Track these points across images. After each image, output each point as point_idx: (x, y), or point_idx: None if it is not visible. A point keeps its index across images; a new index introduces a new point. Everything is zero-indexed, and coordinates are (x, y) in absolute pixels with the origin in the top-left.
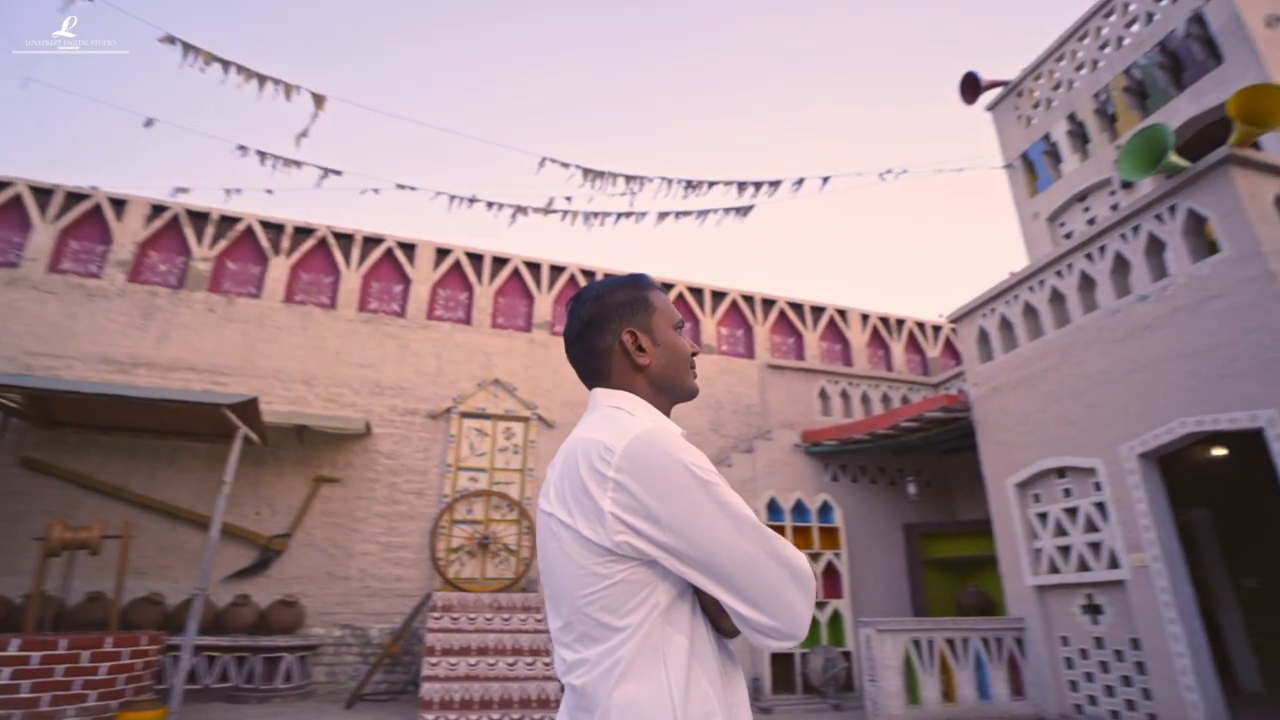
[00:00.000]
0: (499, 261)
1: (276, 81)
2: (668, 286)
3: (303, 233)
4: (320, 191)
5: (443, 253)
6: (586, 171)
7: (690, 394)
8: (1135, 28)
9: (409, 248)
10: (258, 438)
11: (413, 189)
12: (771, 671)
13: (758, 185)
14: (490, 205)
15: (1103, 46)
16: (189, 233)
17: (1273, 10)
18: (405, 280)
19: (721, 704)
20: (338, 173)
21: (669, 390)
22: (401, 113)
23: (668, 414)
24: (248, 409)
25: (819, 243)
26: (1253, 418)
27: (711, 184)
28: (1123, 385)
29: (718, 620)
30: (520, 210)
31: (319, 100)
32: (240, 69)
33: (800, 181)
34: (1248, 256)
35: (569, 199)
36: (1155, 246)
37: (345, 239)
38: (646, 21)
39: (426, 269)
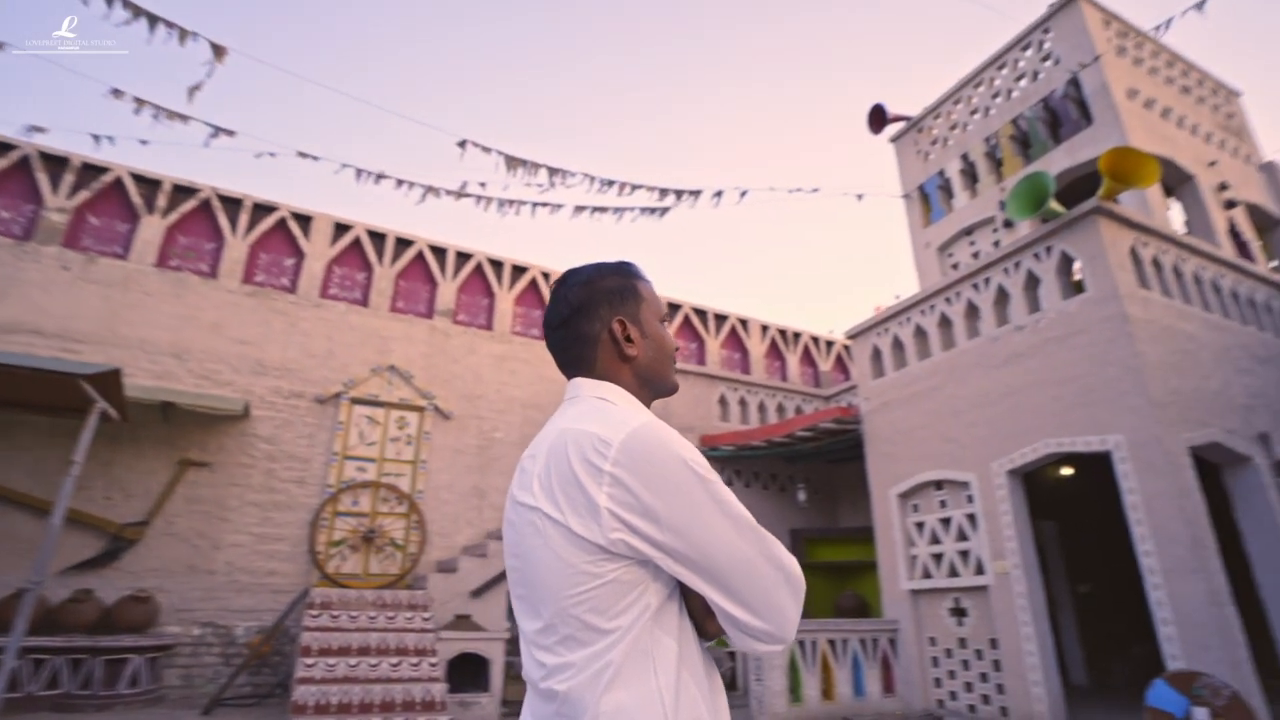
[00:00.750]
0: (403, 243)
1: (170, 25)
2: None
3: (184, 192)
4: (209, 151)
5: (342, 228)
6: (509, 159)
7: (672, 389)
8: (1023, 82)
9: (305, 219)
10: (116, 413)
11: (315, 158)
12: None
13: (679, 193)
14: (400, 183)
15: (995, 96)
16: (42, 178)
17: (1133, 84)
18: (298, 254)
19: (709, 709)
20: (230, 132)
21: (653, 384)
22: (312, 77)
23: (648, 408)
24: (108, 381)
25: (727, 251)
26: (1103, 441)
27: (635, 187)
28: (997, 407)
29: (702, 623)
30: (431, 190)
31: (219, 51)
32: (128, 4)
33: (719, 194)
34: (1107, 298)
35: (483, 184)
36: (1032, 282)
37: (233, 204)
38: (589, 25)
39: (323, 244)
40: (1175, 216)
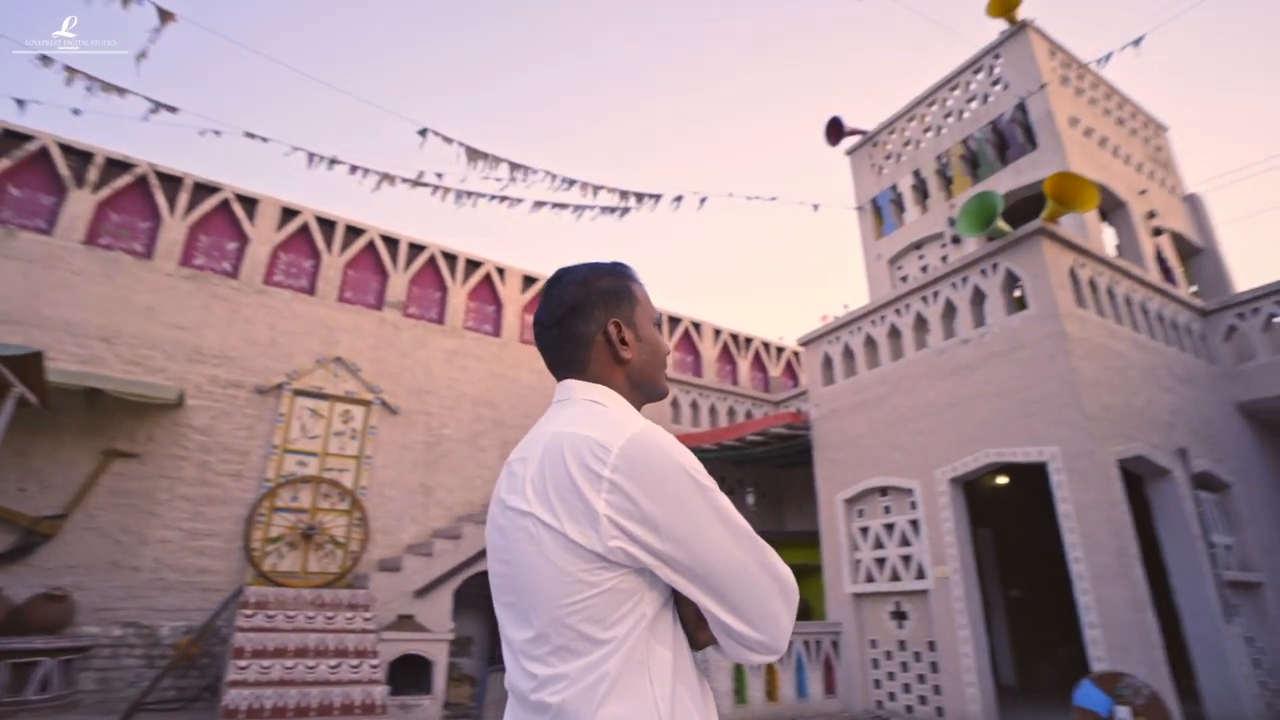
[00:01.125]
0: (353, 231)
1: None
2: (531, 280)
3: (118, 166)
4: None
5: (290, 213)
6: (471, 151)
7: (663, 394)
8: (974, 104)
9: (250, 202)
10: (36, 399)
11: (264, 140)
12: None
13: (640, 196)
14: (354, 169)
15: (947, 115)
16: None
17: (1074, 113)
18: (242, 238)
19: None
20: (171, 108)
21: (645, 388)
22: (266, 53)
23: (639, 412)
24: (28, 364)
25: (684, 254)
26: (1040, 452)
27: (597, 188)
28: (942, 417)
29: (693, 632)
30: (387, 178)
31: (165, 16)
32: None
33: (679, 199)
34: (1048, 315)
35: (440, 175)
36: (979, 297)
37: (172, 181)
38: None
39: (268, 228)
40: (1108, 240)
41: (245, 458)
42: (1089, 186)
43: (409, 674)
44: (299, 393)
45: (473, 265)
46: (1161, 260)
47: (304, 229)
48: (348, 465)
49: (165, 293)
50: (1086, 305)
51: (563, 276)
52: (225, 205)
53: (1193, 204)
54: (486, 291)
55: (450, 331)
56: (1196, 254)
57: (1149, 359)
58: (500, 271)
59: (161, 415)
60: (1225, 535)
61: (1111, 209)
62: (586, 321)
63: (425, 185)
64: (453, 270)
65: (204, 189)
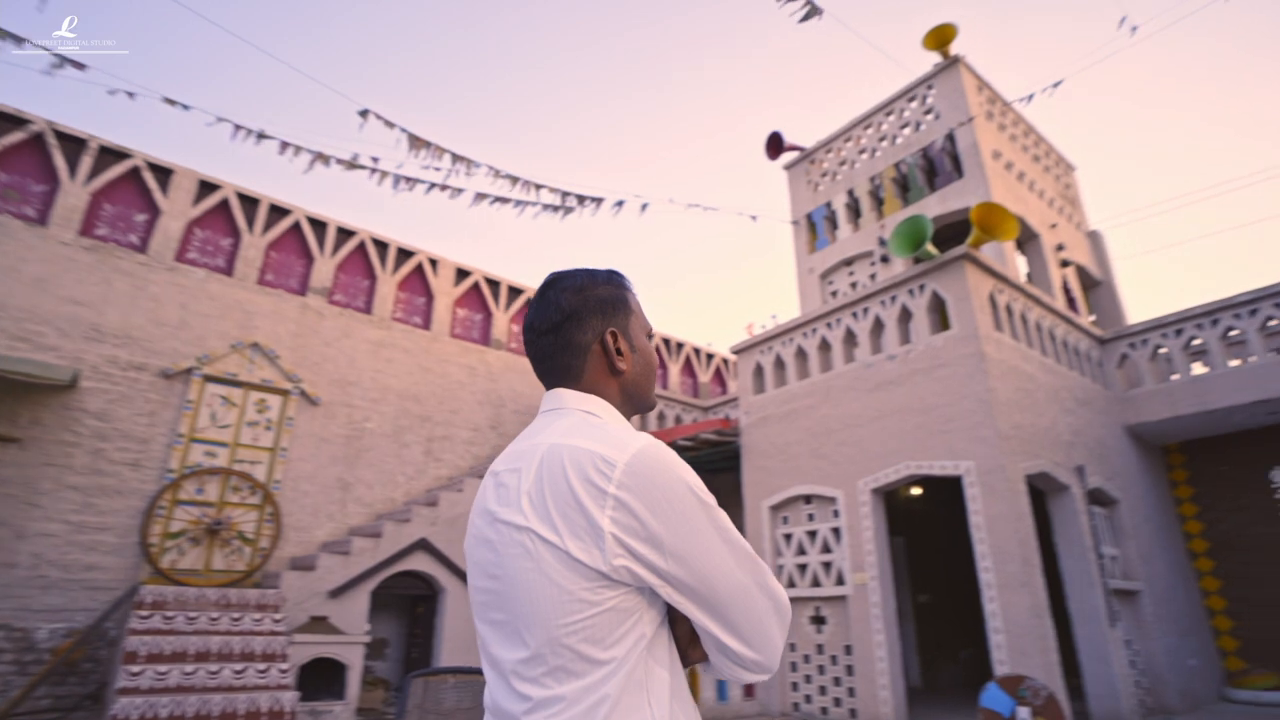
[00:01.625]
0: (278, 211)
1: None
2: (464, 273)
3: (9, 121)
4: (52, 82)
5: (209, 187)
6: (413, 138)
7: (651, 406)
8: (907, 131)
9: (164, 172)
10: None
11: (185, 107)
12: None
13: (581, 198)
14: (285, 146)
15: (881, 139)
16: None
17: (997, 147)
18: (153, 210)
19: None
20: (80, 65)
21: (636, 400)
22: (194, 8)
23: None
24: None
25: (621, 257)
26: (956, 466)
27: (539, 186)
28: (867, 429)
29: (685, 650)
30: (320, 158)
31: None
32: None
33: (620, 203)
34: (969, 336)
35: (375, 159)
36: (906, 316)
37: (74, 143)
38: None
39: (184, 202)
40: (1021, 269)
41: (146, 446)
42: (1010, 218)
43: (321, 678)
44: (210, 379)
45: (405, 254)
46: (1067, 290)
47: (224, 205)
48: (261, 457)
49: (61, 263)
50: (1003, 329)
51: (558, 281)
52: (135, 174)
53: (1094, 240)
54: (418, 282)
55: (378, 322)
56: (1096, 286)
57: (1054, 382)
58: (433, 263)
59: (50, 397)
60: (1112, 547)
61: (1026, 240)
62: (583, 330)
63: (361, 168)
64: (383, 258)
65: (111, 154)
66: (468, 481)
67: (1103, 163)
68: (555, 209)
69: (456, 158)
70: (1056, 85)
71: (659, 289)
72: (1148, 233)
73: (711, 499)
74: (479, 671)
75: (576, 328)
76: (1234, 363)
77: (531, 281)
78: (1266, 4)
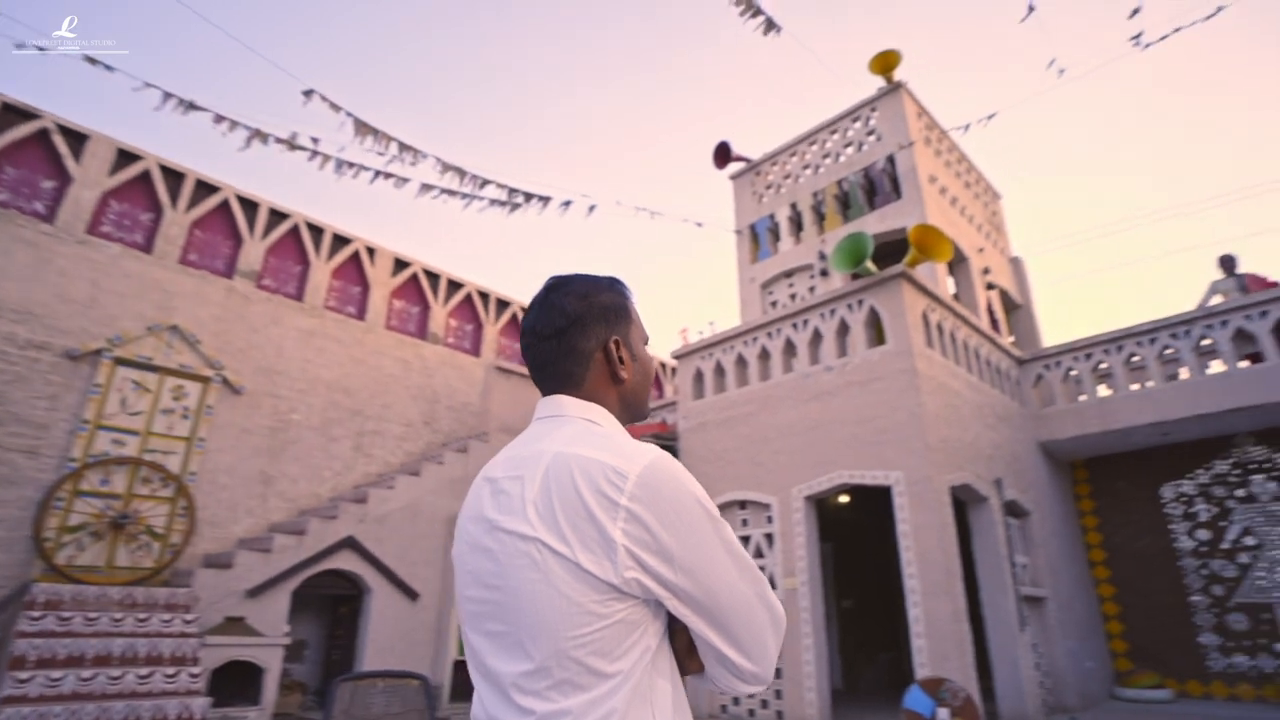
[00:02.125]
0: (205, 187)
1: None
2: (403, 264)
3: None
4: None
5: (128, 156)
6: (359, 123)
7: (646, 416)
8: (850, 150)
9: (77, 138)
10: None
11: (109, 68)
12: (452, 679)
13: (529, 195)
14: (220, 120)
15: (825, 156)
16: None
17: (934, 172)
18: (63, 177)
19: None
20: None
21: (634, 409)
22: None
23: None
24: None
25: (566, 255)
26: (887, 476)
27: (486, 181)
28: (803, 438)
29: (683, 661)
30: (258, 135)
31: None
32: None
33: (568, 203)
34: (903, 352)
35: (315, 140)
36: (844, 329)
37: None
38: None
39: (99, 171)
40: (949, 289)
41: (45, 432)
42: (946, 240)
43: (235, 682)
44: (122, 362)
45: (341, 241)
46: (990, 312)
47: (144, 177)
48: (175, 447)
49: None
50: (934, 346)
51: (561, 286)
52: (44, 136)
53: (1016, 265)
54: (354, 271)
55: (309, 310)
56: (1016, 309)
57: (978, 398)
58: (371, 251)
59: None
60: (1023, 556)
61: (956, 262)
62: (587, 337)
63: (302, 149)
64: (318, 244)
65: (15, 113)
66: (399, 479)
67: (1027, 193)
68: (502, 204)
69: (404, 146)
70: (990, 117)
71: None
72: (1066, 261)
73: (717, 511)
74: (411, 675)
75: (580, 334)
76: (1134, 386)
77: (472, 276)
78: (1183, 54)
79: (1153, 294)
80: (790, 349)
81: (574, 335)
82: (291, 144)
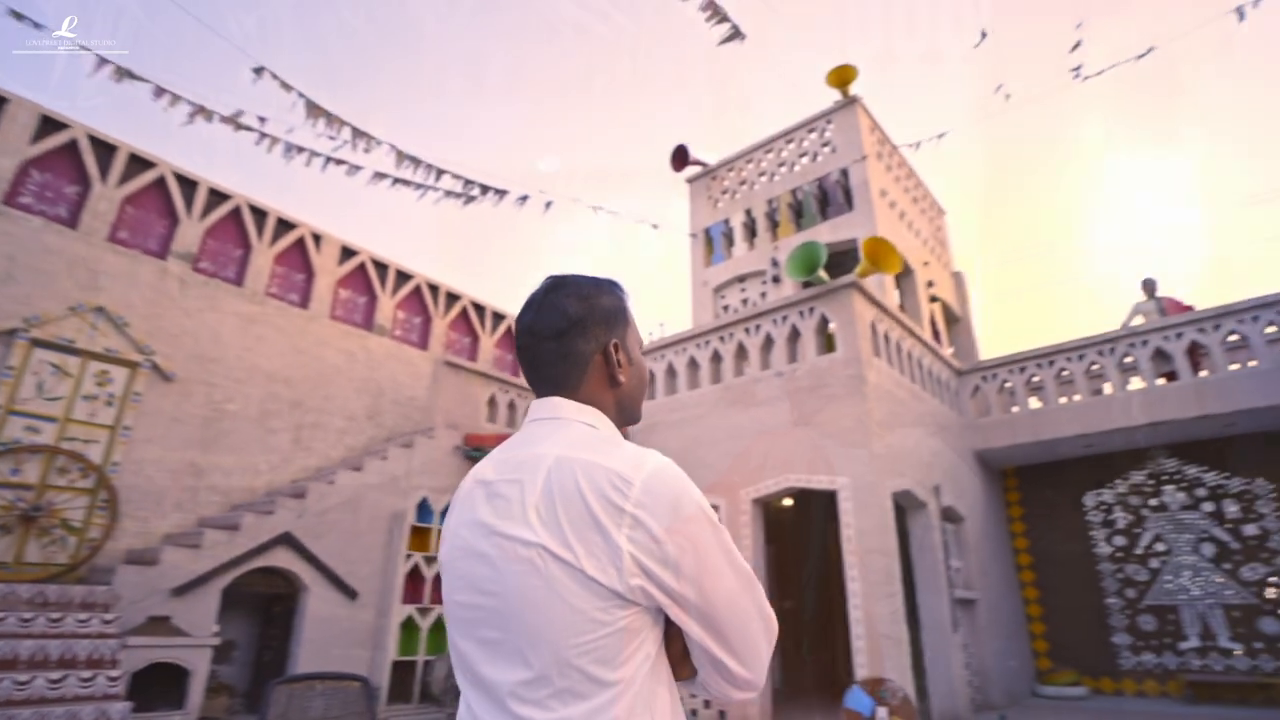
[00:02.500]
0: (140, 162)
1: None
2: (351, 252)
3: None
4: None
5: (54, 124)
6: (311, 105)
7: (638, 420)
8: (805, 160)
9: None
10: None
11: (36, 25)
12: (390, 680)
13: (485, 188)
14: (161, 93)
15: (781, 165)
16: None
17: (884, 186)
18: None
19: None
20: None
21: (629, 413)
22: None
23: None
24: None
25: (518, 250)
26: (834, 481)
27: (441, 171)
28: (751, 441)
29: (677, 667)
30: (201, 111)
31: None
32: None
33: (524, 198)
34: (851, 360)
35: (262, 119)
36: (795, 335)
37: None
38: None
39: (19, 138)
40: (895, 300)
41: None
42: (896, 253)
43: (159, 686)
44: (39, 343)
45: (286, 226)
46: (933, 323)
47: (72, 147)
48: (97, 436)
49: None
50: (880, 355)
51: (562, 286)
52: None
53: (958, 280)
54: (298, 257)
55: (250, 296)
56: (956, 322)
57: (920, 407)
58: (317, 238)
59: None
60: (957, 560)
61: (902, 275)
62: (587, 339)
63: (248, 128)
64: (261, 227)
65: None
66: (340, 473)
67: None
68: (456, 196)
69: (357, 132)
70: (941, 136)
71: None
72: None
73: (717, 518)
74: (351, 677)
75: (581, 336)
76: (1063, 400)
77: (424, 269)
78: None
79: (1083, 311)
80: (742, 353)
81: (574, 337)
82: (237, 123)
